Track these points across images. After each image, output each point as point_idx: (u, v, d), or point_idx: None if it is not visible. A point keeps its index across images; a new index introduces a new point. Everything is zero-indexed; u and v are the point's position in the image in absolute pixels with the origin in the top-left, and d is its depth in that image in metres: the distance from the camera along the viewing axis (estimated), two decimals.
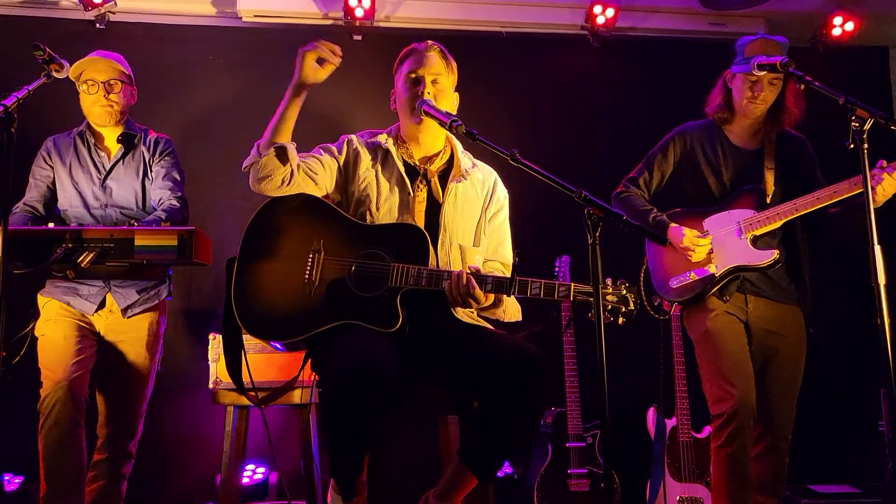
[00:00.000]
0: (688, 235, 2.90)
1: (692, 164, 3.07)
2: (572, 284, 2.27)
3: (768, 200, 2.94)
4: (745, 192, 2.96)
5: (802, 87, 2.50)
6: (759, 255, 2.86)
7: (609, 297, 2.24)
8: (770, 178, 2.97)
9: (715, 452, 2.89)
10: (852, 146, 2.28)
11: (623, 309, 2.23)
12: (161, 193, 3.10)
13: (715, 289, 2.90)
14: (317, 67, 2.37)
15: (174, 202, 3.07)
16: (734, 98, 3.02)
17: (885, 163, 2.75)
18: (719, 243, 2.91)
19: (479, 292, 2.28)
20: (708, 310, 2.93)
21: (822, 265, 3.25)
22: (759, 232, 2.87)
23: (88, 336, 2.98)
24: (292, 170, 2.40)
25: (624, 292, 2.24)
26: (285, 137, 2.40)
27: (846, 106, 2.28)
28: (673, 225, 2.97)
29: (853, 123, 2.26)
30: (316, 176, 2.48)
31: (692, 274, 2.92)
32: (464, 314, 2.48)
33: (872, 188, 2.56)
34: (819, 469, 4.21)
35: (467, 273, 2.29)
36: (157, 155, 3.17)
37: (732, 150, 3.05)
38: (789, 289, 2.96)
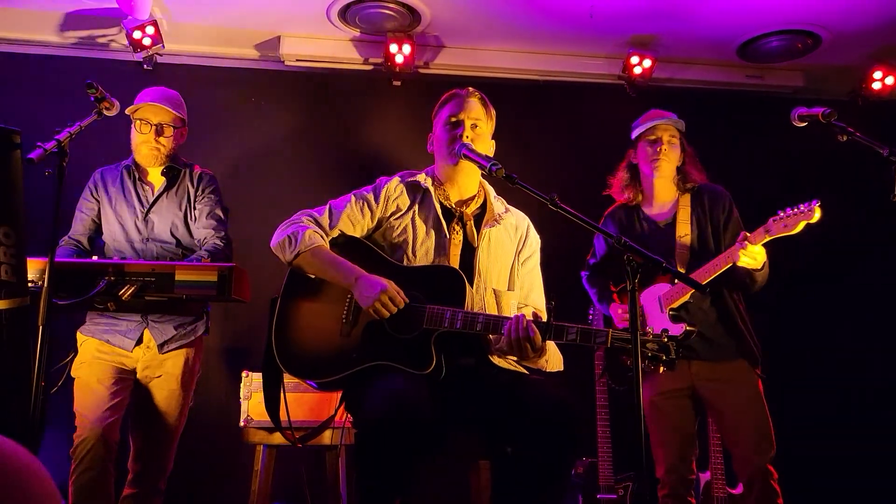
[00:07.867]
0: (620, 314, 3.12)
1: None
2: (610, 331, 2.21)
3: (683, 269, 3.02)
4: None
5: (846, 137, 2.48)
6: (675, 329, 2.89)
7: (649, 346, 2.18)
8: (685, 242, 3.08)
9: None
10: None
11: (664, 357, 2.17)
12: (205, 233, 3.14)
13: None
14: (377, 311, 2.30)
15: (218, 242, 3.10)
16: (641, 169, 3.21)
17: (747, 234, 2.86)
18: (649, 318, 3.05)
19: (538, 336, 2.22)
20: (658, 381, 3.05)
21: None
22: (675, 304, 2.99)
23: (125, 378, 3.00)
24: None
25: (665, 340, 2.19)
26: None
27: (890, 158, 2.27)
28: (614, 303, 3.19)
29: None
30: (353, 230, 2.53)
31: None
32: (499, 359, 2.44)
33: (735, 257, 2.81)
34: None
35: (528, 318, 2.23)
36: (200, 191, 3.21)
37: (650, 223, 3.21)
38: (728, 345, 3.03)
